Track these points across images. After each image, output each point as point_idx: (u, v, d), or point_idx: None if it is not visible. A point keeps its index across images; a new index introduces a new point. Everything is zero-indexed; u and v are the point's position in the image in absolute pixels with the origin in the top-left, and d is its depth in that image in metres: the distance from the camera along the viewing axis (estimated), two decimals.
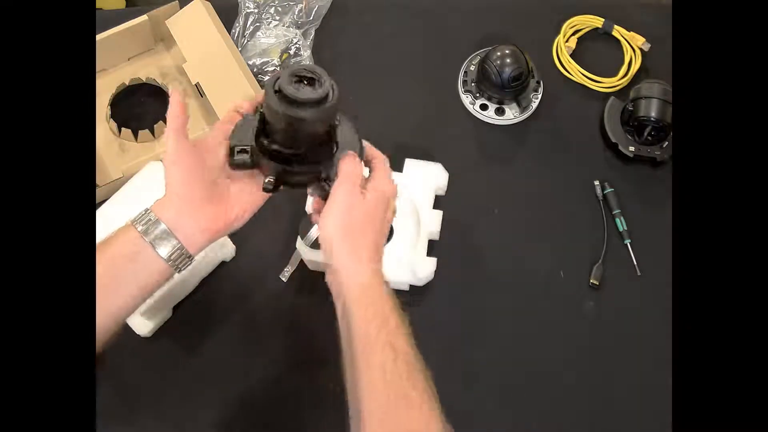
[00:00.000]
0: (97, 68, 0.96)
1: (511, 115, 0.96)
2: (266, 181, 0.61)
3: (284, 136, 0.59)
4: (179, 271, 0.61)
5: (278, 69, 0.83)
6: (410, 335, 0.61)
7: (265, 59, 0.96)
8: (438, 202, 0.89)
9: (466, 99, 0.97)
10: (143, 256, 0.59)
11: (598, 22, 1.01)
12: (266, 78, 0.95)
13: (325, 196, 0.63)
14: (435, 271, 0.85)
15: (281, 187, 0.62)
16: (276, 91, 0.57)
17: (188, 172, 0.60)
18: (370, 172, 0.67)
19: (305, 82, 0.57)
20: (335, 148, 0.63)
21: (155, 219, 0.60)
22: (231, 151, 0.61)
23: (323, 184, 0.63)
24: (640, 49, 0.99)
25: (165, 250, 0.59)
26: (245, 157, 0.61)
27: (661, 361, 0.80)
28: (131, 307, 0.61)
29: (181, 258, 0.60)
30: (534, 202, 0.92)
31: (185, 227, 0.60)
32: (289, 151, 0.60)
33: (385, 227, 0.66)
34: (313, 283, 0.87)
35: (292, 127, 0.57)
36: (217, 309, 0.86)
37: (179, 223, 0.60)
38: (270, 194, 0.62)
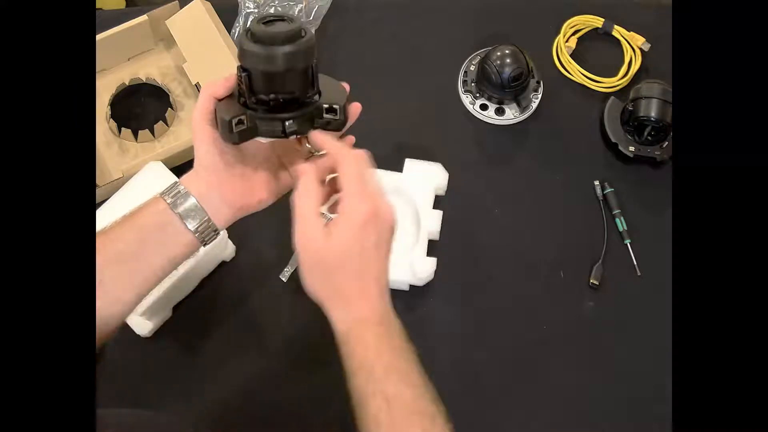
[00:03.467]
0: (97, 68, 0.96)
1: (511, 115, 0.96)
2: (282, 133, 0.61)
3: (267, 85, 0.59)
4: (205, 245, 0.63)
5: None
6: (409, 371, 0.58)
7: None
8: (438, 202, 0.89)
9: (466, 99, 0.97)
10: (171, 227, 0.61)
11: (598, 22, 1.01)
12: None
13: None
14: (435, 271, 0.85)
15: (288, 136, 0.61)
16: (250, 37, 0.56)
17: (215, 146, 0.61)
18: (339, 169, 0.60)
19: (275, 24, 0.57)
20: (318, 96, 0.62)
21: (184, 191, 0.61)
22: (228, 126, 0.59)
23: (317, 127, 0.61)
24: (640, 49, 0.99)
25: (193, 222, 0.61)
26: (242, 127, 0.60)
27: (661, 361, 0.81)
28: (157, 279, 0.62)
29: (208, 231, 0.62)
30: (534, 202, 0.92)
31: (212, 200, 0.62)
32: (274, 96, 0.59)
33: (374, 259, 0.59)
34: None
35: (272, 66, 0.57)
36: (217, 309, 0.86)
37: (207, 195, 0.61)
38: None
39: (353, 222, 0.58)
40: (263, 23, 0.57)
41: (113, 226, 0.61)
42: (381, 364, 0.57)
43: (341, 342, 0.59)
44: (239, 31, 0.99)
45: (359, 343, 0.58)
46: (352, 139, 0.65)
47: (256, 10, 1.00)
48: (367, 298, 0.59)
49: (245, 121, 0.59)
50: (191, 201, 0.61)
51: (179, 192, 0.61)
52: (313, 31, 0.59)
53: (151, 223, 0.60)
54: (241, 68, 0.59)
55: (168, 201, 0.61)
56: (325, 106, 0.61)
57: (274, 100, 0.59)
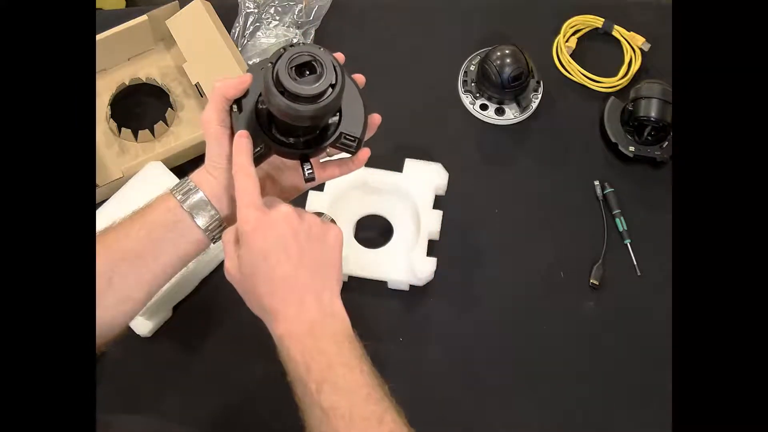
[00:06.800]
0: (97, 68, 0.96)
1: (511, 115, 0.96)
2: (306, 170, 0.62)
3: (289, 125, 0.59)
4: (214, 242, 0.62)
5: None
6: (346, 377, 0.56)
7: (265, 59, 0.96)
8: (438, 202, 0.89)
9: (466, 99, 0.97)
10: (181, 225, 0.60)
11: (598, 22, 1.01)
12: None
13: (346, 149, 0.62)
14: (435, 271, 0.85)
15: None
16: (275, 82, 0.55)
17: (226, 148, 0.61)
18: None
19: (307, 72, 0.56)
20: (337, 116, 0.62)
21: (194, 188, 0.61)
22: None
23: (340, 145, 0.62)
24: (640, 49, 0.99)
25: (202, 220, 0.60)
26: (260, 152, 0.61)
27: (661, 361, 0.80)
28: (167, 277, 0.62)
29: (219, 229, 0.61)
30: (534, 202, 0.92)
31: (223, 198, 0.61)
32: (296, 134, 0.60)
33: (271, 271, 0.57)
34: None
35: (297, 121, 0.57)
36: (217, 309, 0.86)
37: (217, 194, 0.61)
38: (310, 184, 0.63)
39: (226, 242, 0.60)
40: (294, 67, 0.55)
41: (123, 224, 0.61)
42: (312, 378, 0.55)
43: (279, 351, 0.58)
44: (239, 31, 0.99)
45: (288, 360, 0.57)
46: (367, 152, 0.64)
47: (255, 11, 1.00)
48: (282, 311, 0.57)
49: (263, 148, 0.60)
50: (200, 196, 0.61)
51: (190, 188, 0.61)
52: (340, 77, 0.56)
53: (162, 221, 0.60)
54: (263, 102, 0.59)
55: (178, 197, 0.60)
56: (343, 132, 0.61)
57: (294, 137, 0.61)
